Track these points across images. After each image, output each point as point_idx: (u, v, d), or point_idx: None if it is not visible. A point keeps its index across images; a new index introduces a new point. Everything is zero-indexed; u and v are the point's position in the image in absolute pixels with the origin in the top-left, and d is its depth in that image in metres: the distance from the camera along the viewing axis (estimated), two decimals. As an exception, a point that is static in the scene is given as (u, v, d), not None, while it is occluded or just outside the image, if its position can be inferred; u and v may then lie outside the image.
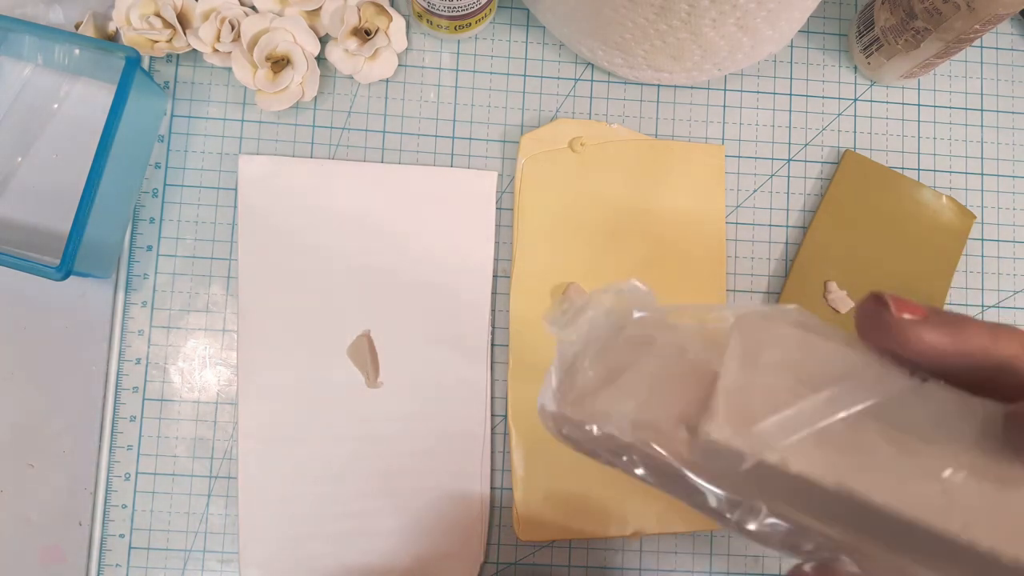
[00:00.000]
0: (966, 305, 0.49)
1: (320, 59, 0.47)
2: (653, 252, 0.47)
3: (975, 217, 0.49)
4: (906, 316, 0.23)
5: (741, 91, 0.50)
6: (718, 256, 0.48)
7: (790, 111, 0.50)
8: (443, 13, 0.45)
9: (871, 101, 0.50)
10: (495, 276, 0.47)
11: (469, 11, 0.45)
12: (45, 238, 0.46)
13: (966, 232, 0.49)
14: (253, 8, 0.47)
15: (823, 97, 0.50)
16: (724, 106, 0.50)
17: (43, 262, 0.41)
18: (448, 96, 0.49)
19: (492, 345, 0.47)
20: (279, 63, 0.46)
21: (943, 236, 0.49)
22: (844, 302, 0.47)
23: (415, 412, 0.45)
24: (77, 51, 0.44)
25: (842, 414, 0.22)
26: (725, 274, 0.48)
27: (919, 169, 0.50)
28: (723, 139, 0.49)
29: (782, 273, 0.49)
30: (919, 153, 0.50)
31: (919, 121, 0.50)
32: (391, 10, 0.46)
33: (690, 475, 0.24)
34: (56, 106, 0.47)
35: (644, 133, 0.49)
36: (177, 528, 0.45)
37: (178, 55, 0.48)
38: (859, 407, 0.23)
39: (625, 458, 0.26)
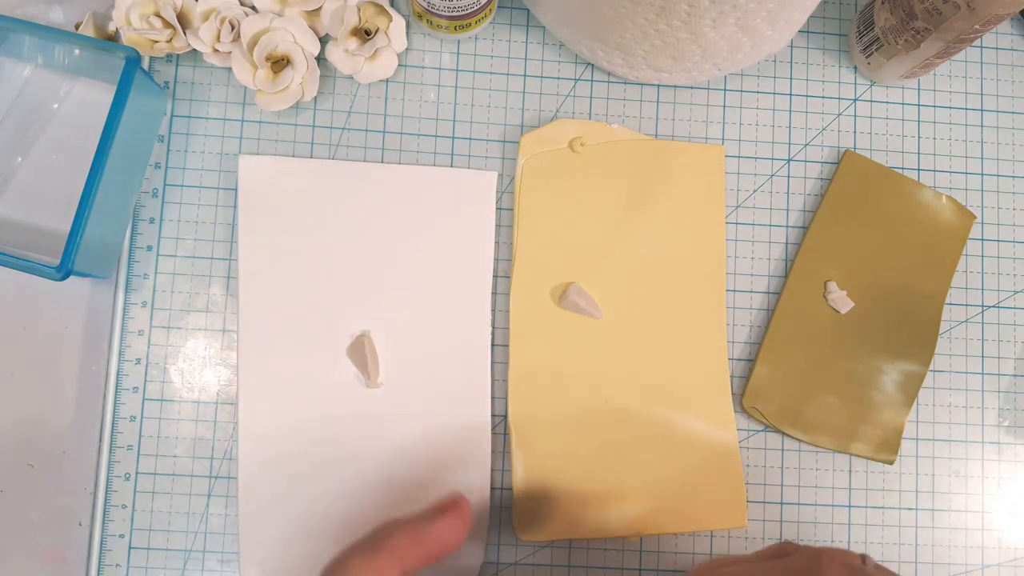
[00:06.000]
0: (966, 305, 0.49)
1: (320, 59, 0.47)
2: (653, 252, 0.47)
3: (975, 217, 0.49)
4: None
5: (741, 91, 0.50)
6: (718, 256, 0.48)
7: (790, 111, 0.50)
8: (443, 13, 0.45)
9: (871, 101, 0.50)
10: (495, 276, 0.47)
11: (469, 11, 0.45)
12: (45, 238, 0.46)
13: (966, 232, 0.49)
14: (253, 8, 0.47)
15: (823, 97, 0.50)
16: (724, 106, 0.50)
17: (43, 262, 0.41)
18: (448, 96, 0.49)
19: (492, 345, 0.47)
20: (279, 63, 0.46)
21: (943, 236, 0.49)
22: (844, 302, 0.47)
23: (415, 412, 0.45)
24: (77, 51, 0.44)
25: None
26: (725, 274, 0.48)
27: (919, 169, 0.50)
28: (723, 139, 0.49)
29: (782, 273, 0.49)
30: (919, 153, 0.50)
31: (919, 121, 0.50)
32: (391, 10, 0.46)
33: None
34: (56, 106, 0.47)
35: (644, 133, 0.49)
36: (177, 528, 0.45)
37: (178, 55, 0.48)
38: None
39: None
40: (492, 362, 0.46)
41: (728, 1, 0.39)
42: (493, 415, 0.46)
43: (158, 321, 0.46)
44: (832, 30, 0.51)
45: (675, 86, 0.50)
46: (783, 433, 0.47)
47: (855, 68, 0.51)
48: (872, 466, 0.48)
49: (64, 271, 0.41)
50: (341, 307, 0.46)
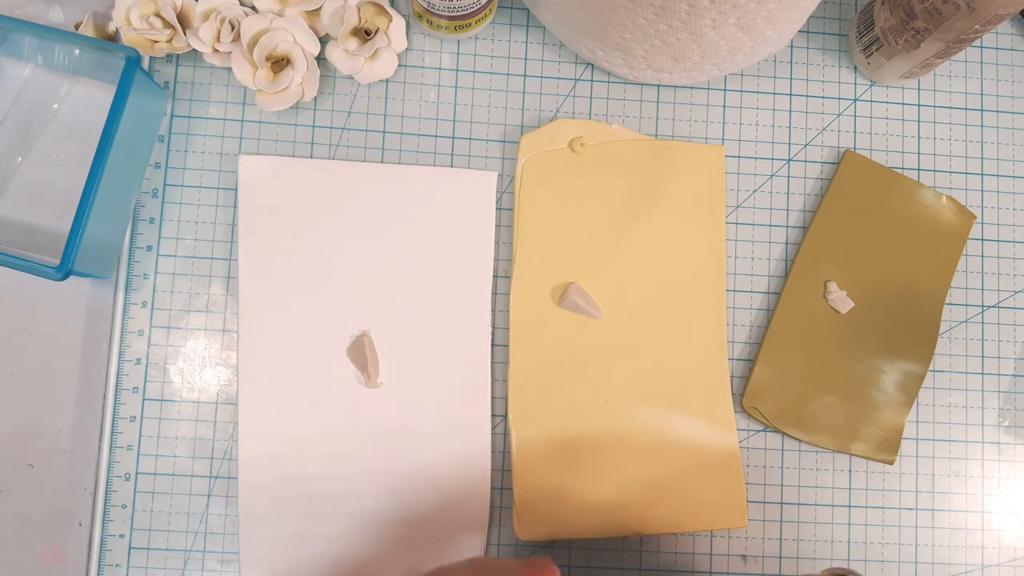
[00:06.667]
0: (966, 305, 0.49)
1: (320, 59, 0.47)
2: (653, 252, 0.47)
3: (975, 217, 0.49)
4: None
5: (741, 91, 0.50)
6: (718, 256, 0.48)
7: (790, 111, 0.50)
8: (443, 13, 0.45)
9: (871, 101, 0.50)
10: (495, 276, 0.47)
11: (469, 11, 0.45)
12: (45, 238, 0.46)
13: (966, 232, 0.49)
14: (253, 8, 0.47)
15: (823, 97, 0.50)
16: (724, 106, 0.50)
17: (43, 262, 0.41)
18: (448, 96, 0.49)
19: (492, 345, 0.47)
20: (279, 63, 0.46)
21: (943, 236, 0.49)
22: (844, 302, 0.47)
23: (415, 412, 0.45)
24: (77, 51, 0.44)
25: None
26: (725, 274, 0.48)
27: (919, 169, 0.50)
28: (723, 139, 0.49)
29: (782, 273, 0.49)
30: (919, 153, 0.50)
31: (919, 121, 0.50)
32: (391, 10, 0.46)
33: None
34: (56, 106, 0.47)
35: (644, 133, 0.49)
36: (177, 528, 0.45)
37: (178, 55, 0.48)
38: None
39: None
40: (492, 362, 0.46)
41: (728, 1, 0.39)
42: (493, 415, 0.46)
43: (158, 321, 0.46)
44: (832, 30, 0.51)
45: (675, 86, 0.50)
46: (783, 433, 0.47)
47: (855, 68, 0.51)
48: (872, 466, 0.48)
49: (64, 271, 0.41)
50: (341, 307, 0.46)
